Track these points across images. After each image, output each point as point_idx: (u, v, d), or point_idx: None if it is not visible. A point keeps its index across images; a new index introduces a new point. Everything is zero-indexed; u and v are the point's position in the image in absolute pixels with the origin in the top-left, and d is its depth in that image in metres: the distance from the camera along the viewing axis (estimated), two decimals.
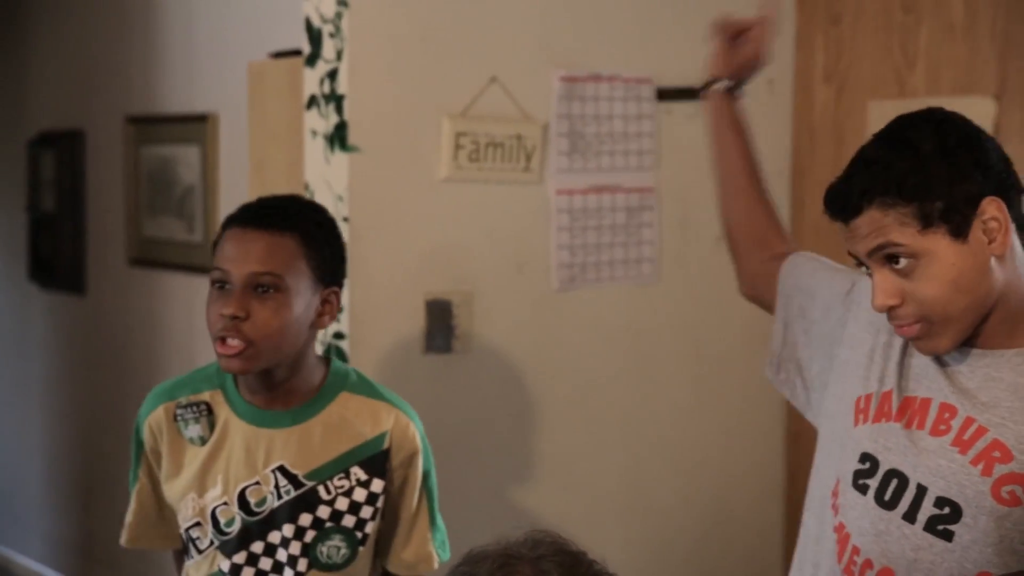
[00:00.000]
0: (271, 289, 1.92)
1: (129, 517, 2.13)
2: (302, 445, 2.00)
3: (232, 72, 4.32)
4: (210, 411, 2.03)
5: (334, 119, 2.92)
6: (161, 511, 2.11)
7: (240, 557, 2.01)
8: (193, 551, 2.05)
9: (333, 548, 2.02)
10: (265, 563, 2.02)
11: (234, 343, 1.91)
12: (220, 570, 2.02)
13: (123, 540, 2.15)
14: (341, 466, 2.01)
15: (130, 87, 4.80)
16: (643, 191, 3.28)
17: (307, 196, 2.97)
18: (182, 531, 2.06)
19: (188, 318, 4.55)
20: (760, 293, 2.07)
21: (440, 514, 2.13)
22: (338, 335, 2.93)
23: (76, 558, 5.12)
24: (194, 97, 4.51)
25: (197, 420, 2.03)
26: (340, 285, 2.05)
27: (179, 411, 2.03)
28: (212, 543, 2.02)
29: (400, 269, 2.99)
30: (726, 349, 3.45)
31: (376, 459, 2.03)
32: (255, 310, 1.92)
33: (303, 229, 1.97)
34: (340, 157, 2.93)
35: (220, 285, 1.95)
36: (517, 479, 3.17)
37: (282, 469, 1.99)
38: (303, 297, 1.96)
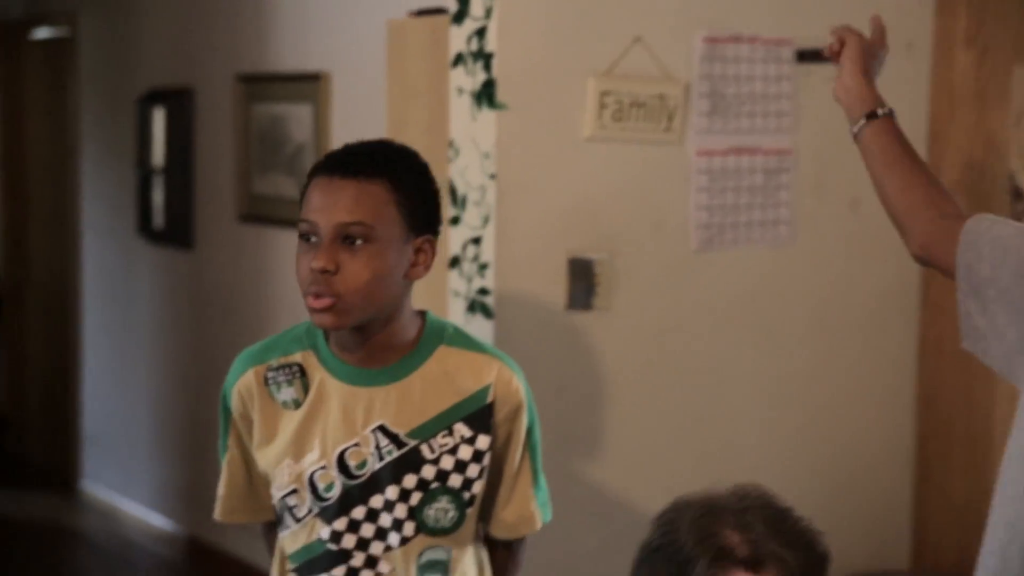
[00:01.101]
0: (361, 240, 1.80)
1: (221, 489, 2.02)
2: (402, 402, 1.88)
3: (345, 32, 4.35)
4: (303, 372, 1.90)
5: (481, 76, 2.94)
6: (252, 481, 1.99)
7: (341, 523, 1.90)
8: (289, 520, 1.93)
9: (440, 511, 1.90)
10: (367, 529, 1.91)
11: (324, 298, 1.79)
12: (320, 538, 1.91)
13: (217, 513, 2.04)
14: (444, 423, 1.89)
15: (241, 45, 4.84)
16: (781, 153, 3.28)
17: (451, 154, 3.00)
18: (276, 500, 1.94)
19: (295, 274, 4.60)
20: (932, 255, 2.04)
21: (543, 473, 2.01)
22: (483, 291, 2.96)
23: (182, 504, 5.22)
24: (307, 56, 4.54)
25: (290, 382, 1.90)
26: (435, 233, 1.91)
27: (270, 374, 1.91)
28: (311, 510, 1.91)
29: (544, 227, 3.01)
30: (857, 313, 3.46)
31: (480, 414, 1.91)
32: (345, 263, 1.79)
33: (393, 175, 1.84)
34: (487, 115, 2.94)
35: (308, 237, 1.83)
36: (652, 437, 3.19)
37: (382, 429, 1.88)
38: (395, 247, 1.83)
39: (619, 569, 3.09)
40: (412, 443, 1.88)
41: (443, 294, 2.99)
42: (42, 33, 6.15)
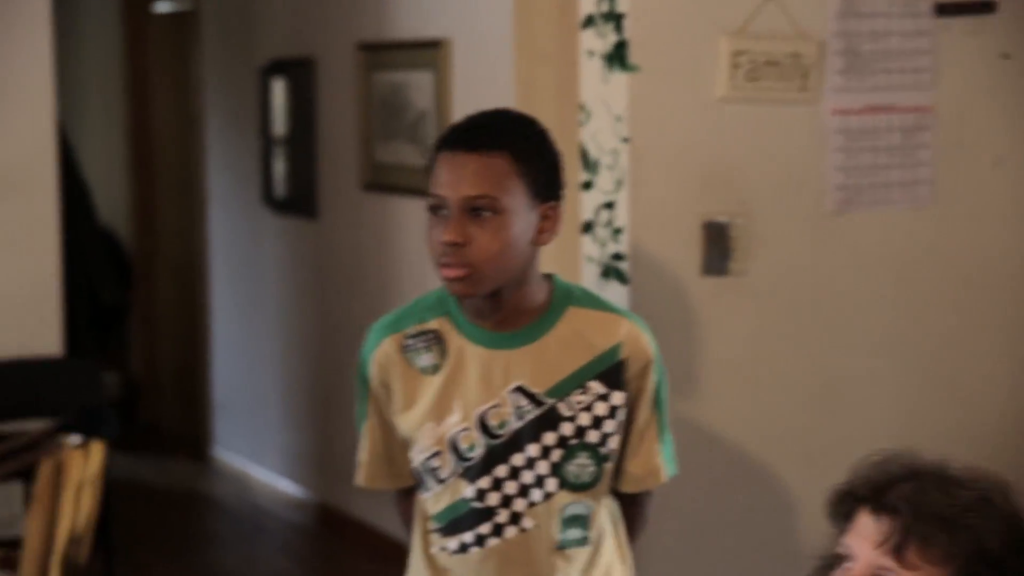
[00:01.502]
0: (487, 212, 1.87)
1: (363, 456, 2.07)
2: (538, 363, 1.96)
3: None
4: (439, 339, 1.98)
5: (613, 38, 2.90)
6: (390, 448, 2.05)
7: (485, 482, 1.97)
8: (432, 482, 2.00)
9: (581, 466, 1.98)
10: (511, 486, 1.98)
11: (457, 269, 1.88)
12: (464, 497, 1.98)
13: (360, 480, 2.09)
14: (579, 381, 1.97)
15: (362, 14, 4.85)
16: (920, 111, 3.18)
17: (582, 117, 2.97)
18: (417, 464, 2.01)
19: (420, 242, 4.58)
20: None
21: (668, 427, 2.06)
22: (617, 256, 2.93)
23: (312, 471, 5.30)
24: (427, 23, 4.53)
25: (428, 349, 1.98)
26: (559, 198, 1.97)
27: (408, 342, 1.98)
28: (454, 471, 1.98)
29: (678, 190, 2.97)
30: (1001, 275, 3.35)
31: (613, 371, 1.98)
32: (474, 235, 1.87)
33: (513, 146, 1.90)
34: (619, 77, 2.90)
35: (437, 210, 1.91)
36: (788, 402, 3.14)
37: (521, 389, 1.96)
38: (521, 215, 1.90)
39: (759, 557, 3.06)
40: (550, 402, 1.96)
41: (576, 260, 2.96)
42: (166, 6, 6.25)
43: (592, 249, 2.96)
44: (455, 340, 1.97)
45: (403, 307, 2.03)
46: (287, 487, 5.43)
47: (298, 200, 5.24)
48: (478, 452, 1.96)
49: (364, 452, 2.07)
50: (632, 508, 2.10)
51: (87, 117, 6.82)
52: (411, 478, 2.05)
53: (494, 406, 1.96)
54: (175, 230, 6.35)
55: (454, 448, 1.97)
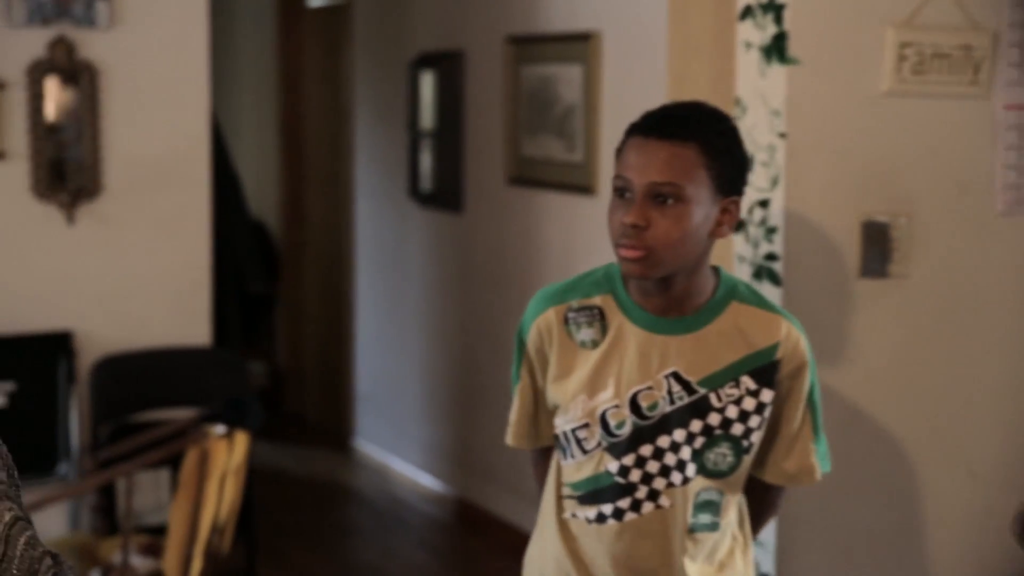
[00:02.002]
0: (671, 199, 1.92)
1: (513, 415, 2.15)
2: (697, 352, 2.00)
3: None
4: (602, 315, 2.03)
5: (772, 29, 2.79)
6: (537, 412, 2.13)
7: (629, 459, 2.03)
8: (576, 451, 2.06)
9: (720, 455, 2.03)
10: (652, 466, 2.03)
11: (636, 250, 1.92)
12: (607, 471, 2.04)
13: (509, 438, 2.17)
14: (732, 375, 2.01)
15: (511, 7, 4.81)
16: None
17: (737, 112, 2.86)
18: (566, 430, 2.06)
19: (566, 237, 4.55)
20: None
21: (822, 426, 2.10)
22: (770, 256, 2.82)
23: (451, 466, 5.28)
24: (577, 16, 4.46)
25: (590, 324, 2.03)
26: (740, 194, 2.02)
27: (571, 314, 2.04)
28: (600, 444, 2.04)
29: (836, 188, 2.84)
30: None
31: (766, 369, 2.02)
32: (655, 220, 1.92)
33: (704, 139, 1.95)
34: (777, 70, 2.79)
35: (622, 192, 1.96)
36: (945, 411, 2.98)
37: (676, 375, 2.00)
38: (703, 207, 1.94)
39: (908, 569, 2.92)
40: (702, 391, 2.01)
41: (728, 259, 2.86)
42: (318, 1, 6.30)
43: (744, 249, 2.85)
44: (617, 318, 2.02)
45: (570, 279, 2.09)
46: (426, 480, 5.42)
47: (444, 194, 5.22)
48: (626, 430, 2.02)
49: (514, 412, 2.15)
50: (767, 497, 2.18)
51: (241, 110, 6.93)
52: (550, 440, 2.13)
53: (647, 388, 2.00)
54: (323, 222, 6.41)
55: (603, 423, 2.03)
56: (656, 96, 3.85)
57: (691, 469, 2.03)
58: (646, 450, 2.03)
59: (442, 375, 5.35)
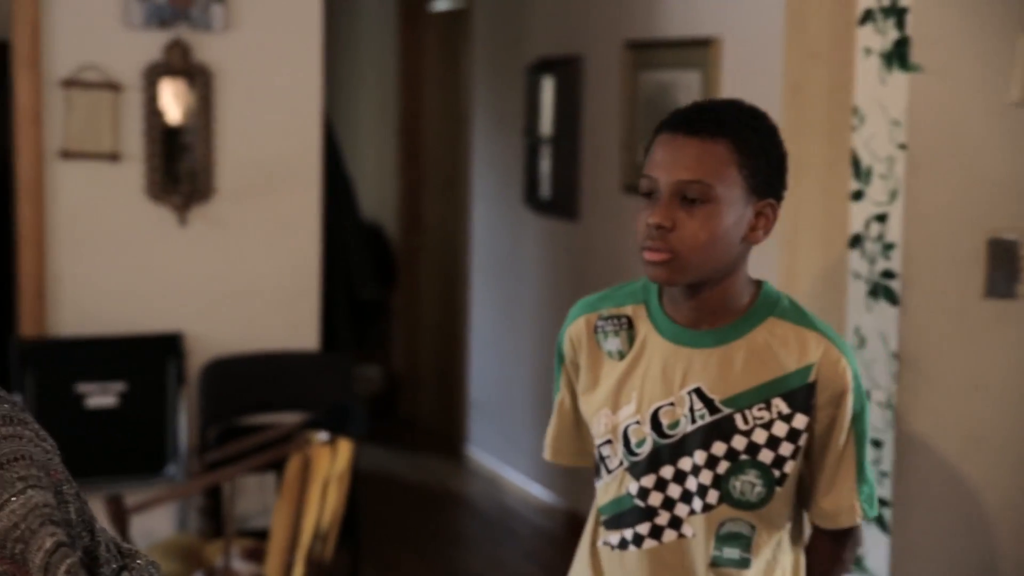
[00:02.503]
0: (699, 199, 1.78)
1: (549, 430, 2.07)
2: (722, 368, 1.85)
3: None
4: (630, 325, 1.91)
5: (893, 35, 2.65)
6: (578, 425, 2.02)
7: (648, 480, 1.89)
8: (603, 471, 1.94)
9: (747, 484, 1.86)
10: (674, 490, 1.89)
11: (659, 253, 1.79)
12: (628, 492, 1.91)
13: (546, 454, 2.08)
14: (762, 396, 1.84)
15: (630, 12, 4.72)
16: None
17: (855, 121, 2.73)
18: (595, 447, 1.96)
19: None
20: None
21: (870, 466, 1.91)
22: (887, 273, 2.68)
23: (562, 477, 5.19)
24: (697, 21, 4.36)
25: (616, 333, 1.91)
26: (778, 198, 1.85)
27: (599, 323, 1.93)
28: (621, 463, 1.91)
29: (960, 203, 2.69)
30: None
31: (800, 392, 1.84)
32: (682, 221, 1.78)
33: (737, 135, 1.79)
34: (898, 77, 2.65)
35: (648, 193, 1.83)
36: None
37: (699, 392, 1.86)
38: (734, 208, 1.80)
39: None
40: (726, 411, 1.86)
41: (842, 276, 2.73)
42: (441, 5, 6.28)
43: (860, 265, 2.71)
44: (644, 328, 1.91)
45: (609, 289, 1.99)
46: (537, 491, 5.35)
47: (559, 200, 5.15)
48: (645, 448, 1.89)
49: (551, 426, 2.06)
50: (820, 545, 1.97)
51: (362, 113, 6.95)
52: (594, 458, 2.01)
53: (669, 404, 1.87)
54: (439, 227, 6.39)
55: (625, 440, 1.90)
56: (776, 103, 3.73)
57: (713, 496, 1.87)
58: (666, 472, 1.89)
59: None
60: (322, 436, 3.49)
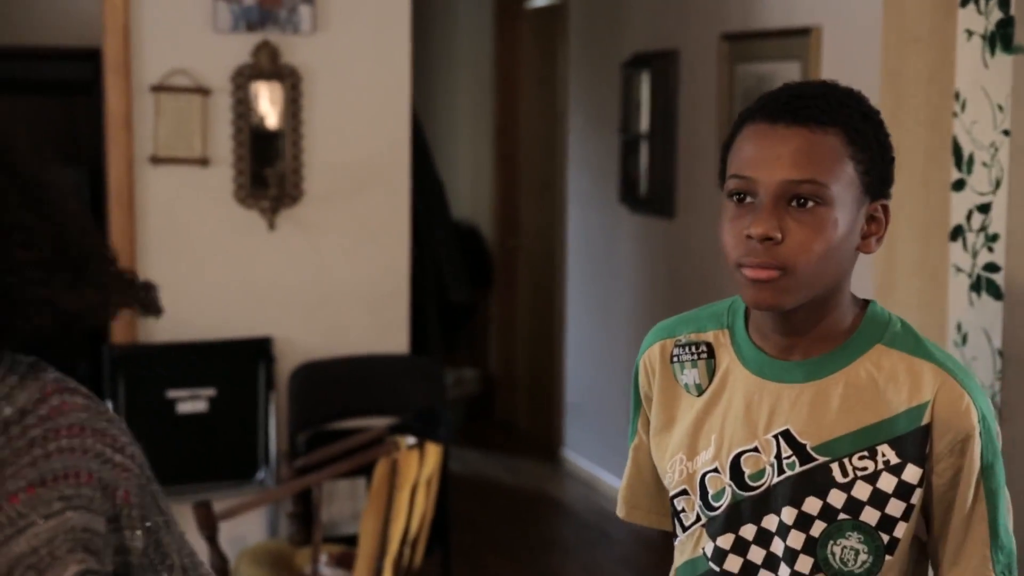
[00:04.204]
0: (811, 201, 1.46)
1: (624, 480, 1.75)
2: (816, 408, 1.52)
3: None
4: (711, 354, 1.60)
5: (997, 16, 2.50)
6: (655, 475, 1.69)
7: (725, 541, 1.57)
8: (678, 527, 1.63)
9: (849, 551, 1.52)
10: (756, 553, 1.57)
11: (768, 270, 1.46)
12: (704, 554, 1.59)
13: (619, 510, 1.77)
14: (866, 442, 1.51)
15: (727, 4, 4.61)
16: None
17: (956, 107, 2.59)
18: (670, 500, 1.64)
19: None
20: None
21: (1008, 526, 1.55)
22: (991, 266, 2.53)
23: None
24: (796, 10, 4.24)
25: (694, 363, 1.61)
26: (888, 197, 1.54)
27: (676, 351, 1.62)
28: (698, 519, 1.59)
29: None
30: None
31: (913, 438, 1.50)
32: (790, 229, 1.45)
33: (849, 123, 1.48)
34: (1002, 60, 2.50)
35: (742, 197, 1.49)
36: None
37: (787, 435, 1.53)
38: (849, 212, 1.48)
39: None
40: (821, 459, 1.52)
41: (943, 270, 2.59)
42: (536, 2, 6.22)
43: (962, 258, 2.57)
44: (727, 358, 1.59)
45: (694, 309, 1.68)
46: None
47: (656, 198, 5.05)
48: (724, 502, 1.57)
49: (625, 477, 1.75)
50: None
51: (458, 113, 6.92)
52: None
53: (752, 449, 1.55)
54: (535, 228, 6.32)
55: (702, 491, 1.58)
56: (875, 91, 3.60)
57: (806, 563, 1.54)
58: (748, 531, 1.56)
59: None
60: (410, 441, 3.44)
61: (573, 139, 5.79)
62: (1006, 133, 2.49)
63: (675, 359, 1.63)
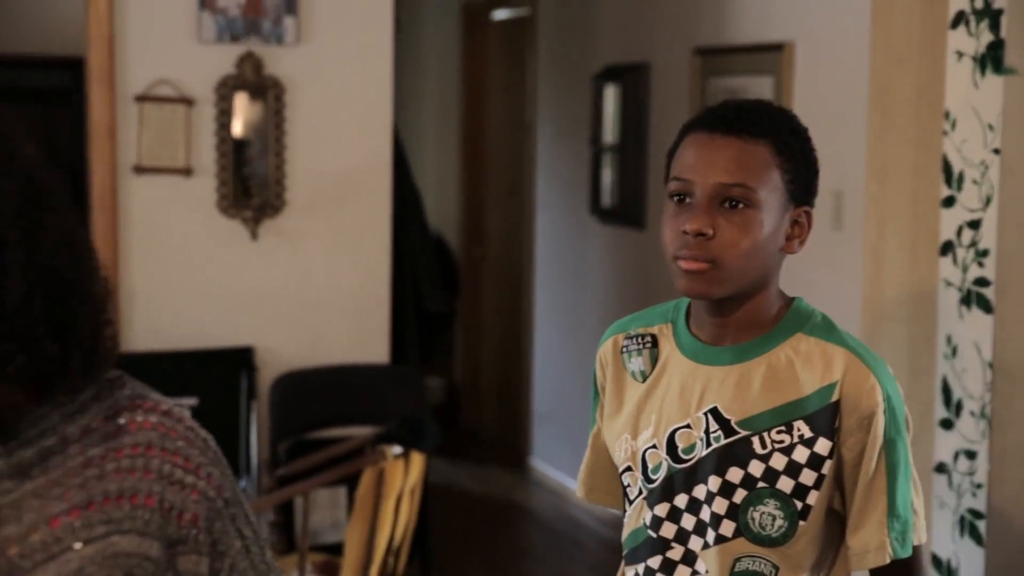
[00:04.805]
0: (741, 203, 1.64)
1: (584, 464, 1.93)
2: (740, 387, 1.70)
3: None
4: (655, 344, 1.78)
5: (987, 37, 2.59)
6: (611, 459, 1.85)
7: (662, 509, 1.74)
8: (625, 502, 1.80)
9: (767, 516, 1.69)
10: (687, 520, 1.73)
11: (698, 262, 1.64)
12: (644, 523, 1.76)
13: (578, 491, 1.95)
14: (782, 418, 1.68)
15: (699, 19, 4.67)
16: None
17: (946, 126, 2.67)
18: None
19: None
20: None
21: (908, 497, 1.70)
22: (981, 281, 2.61)
23: None
24: (769, 26, 4.31)
25: (640, 352, 1.79)
26: (811, 205, 1.73)
27: (625, 342, 1.81)
28: (640, 492, 1.76)
29: None
30: None
31: (822, 414, 1.67)
32: (721, 227, 1.64)
33: (778, 136, 1.67)
34: (992, 81, 2.59)
35: (681, 198, 1.67)
36: None
37: (715, 412, 1.71)
38: (774, 215, 1.67)
39: None
40: (743, 433, 1.70)
41: (933, 283, 2.67)
42: (503, 13, 6.26)
43: (952, 273, 2.65)
44: (668, 347, 1.78)
45: (644, 309, 1.86)
46: None
47: (626, 209, 5.11)
48: (660, 475, 1.74)
49: (584, 460, 1.92)
50: None
51: (424, 123, 6.94)
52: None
53: (685, 426, 1.73)
54: (502, 237, 6.36)
55: (643, 466, 1.76)
56: (853, 107, 3.68)
57: (728, 527, 1.70)
58: (680, 500, 1.73)
59: None
60: (396, 450, 3.46)
61: (542, 149, 5.83)
62: (996, 152, 2.58)
63: (624, 350, 1.82)
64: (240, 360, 3.94)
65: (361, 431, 3.95)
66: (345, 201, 4.05)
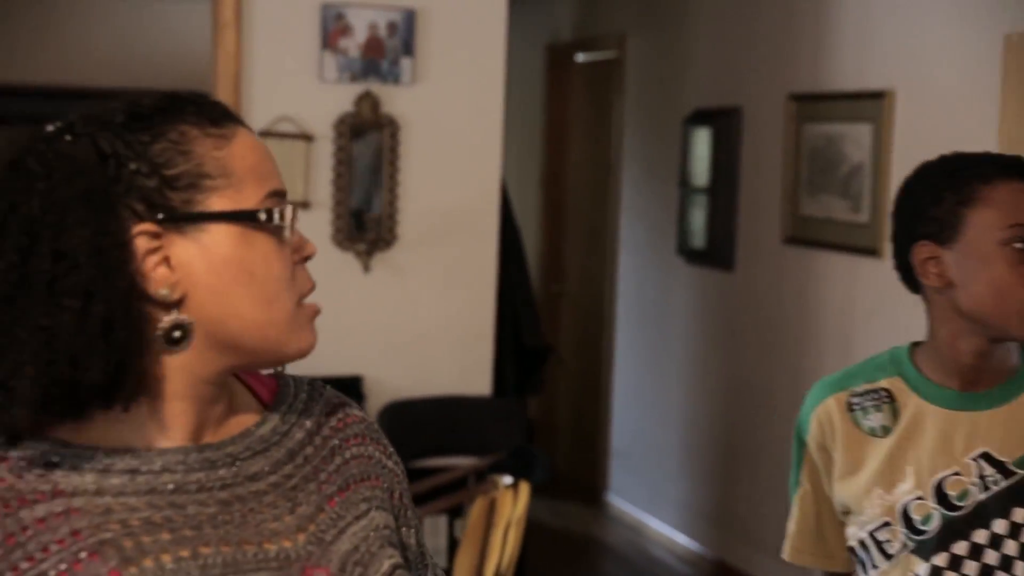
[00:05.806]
0: None
1: (791, 526, 1.92)
2: (1008, 429, 1.75)
3: (913, 48, 4.15)
4: (891, 398, 1.81)
5: None
6: (822, 522, 1.89)
7: (941, 559, 1.75)
8: (879, 557, 1.81)
9: None
10: (970, 567, 1.75)
11: None
12: (916, 575, 1.77)
13: (785, 553, 1.94)
14: None
15: (795, 64, 4.75)
16: None
17: None
18: (862, 537, 1.82)
19: (845, 300, 4.45)
20: None
21: None
22: None
23: (709, 527, 5.20)
24: (867, 73, 4.38)
25: (878, 408, 1.81)
26: None
27: (854, 400, 1.83)
28: (905, 545, 1.78)
29: None
30: None
31: None
32: None
33: None
34: None
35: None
36: None
37: (986, 456, 1.75)
38: None
39: None
40: (1021, 472, 1.74)
41: None
42: (589, 56, 6.37)
43: None
44: (909, 400, 1.81)
45: (850, 367, 1.88)
46: (683, 540, 5.35)
47: (714, 251, 5.19)
48: (934, 525, 1.76)
49: (792, 523, 1.92)
50: None
51: (507, 163, 7.04)
52: (843, 560, 1.89)
53: (954, 474, 1.76)
54: (582, 276, 6.44)
55: (906, 519, 1.78)
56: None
57: (1021, 568, 1.73)
58: (960, 548, 1.75)
59: (703, 434, 5.28)
60: (506, 480, 3.55)
61: (627, 189, 5.93)
62: None
63: (855, 407, 1.84)
64: (349, 388, 4.03)
65: (463, 461, 4.04)
66: (454, 236, 4.16)
